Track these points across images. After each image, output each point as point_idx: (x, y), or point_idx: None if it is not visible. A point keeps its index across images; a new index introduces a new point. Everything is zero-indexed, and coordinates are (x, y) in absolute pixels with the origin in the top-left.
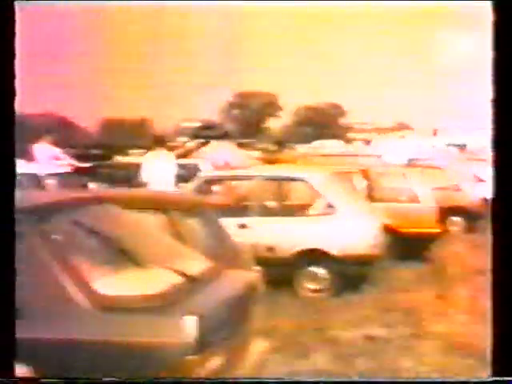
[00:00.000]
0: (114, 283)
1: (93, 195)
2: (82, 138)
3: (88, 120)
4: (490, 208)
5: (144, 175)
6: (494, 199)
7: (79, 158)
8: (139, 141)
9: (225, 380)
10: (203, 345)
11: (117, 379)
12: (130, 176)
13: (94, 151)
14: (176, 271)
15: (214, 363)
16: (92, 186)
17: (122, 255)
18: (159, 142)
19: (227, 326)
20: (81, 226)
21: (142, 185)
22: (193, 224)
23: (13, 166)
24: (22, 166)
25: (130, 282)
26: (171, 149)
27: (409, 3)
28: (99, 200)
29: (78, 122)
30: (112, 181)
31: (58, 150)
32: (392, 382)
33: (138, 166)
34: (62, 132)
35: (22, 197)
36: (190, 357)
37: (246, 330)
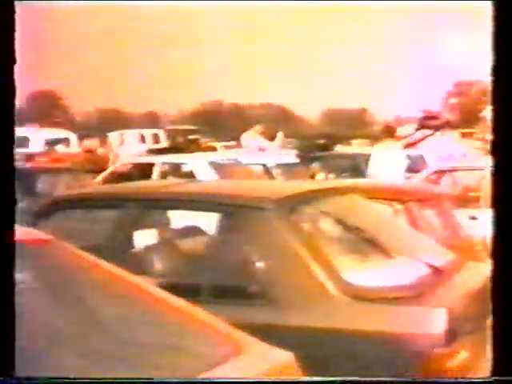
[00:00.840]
0: (362, 272)
1: (338, 185)
2: (303, 127)
3: (308, 110)
4: None
5: (373, 166)
6: None
7: (302, 148)
8: (360, 131)
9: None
10: (452, 337)
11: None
12: (355, 166)
13: (318, 141)
14: (423, 262)
15: (461, 357)
16: (320, 176)
17: (367, 245)
18: (389, 132)
19: (471, 319)
20: (328, 215)
21: (370, 175)
22: (428, 215)
23: (12, 159)
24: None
25: (378, 271)
26: (397, 139)
27: None
28: (344, 190)
29: (298, 112)
30: (339, 171)
31: (265, 140)
32: (392, 382)
33: (363, 156)
34: (282, 122)
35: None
36: (440, 349)
37: (487, 324)
